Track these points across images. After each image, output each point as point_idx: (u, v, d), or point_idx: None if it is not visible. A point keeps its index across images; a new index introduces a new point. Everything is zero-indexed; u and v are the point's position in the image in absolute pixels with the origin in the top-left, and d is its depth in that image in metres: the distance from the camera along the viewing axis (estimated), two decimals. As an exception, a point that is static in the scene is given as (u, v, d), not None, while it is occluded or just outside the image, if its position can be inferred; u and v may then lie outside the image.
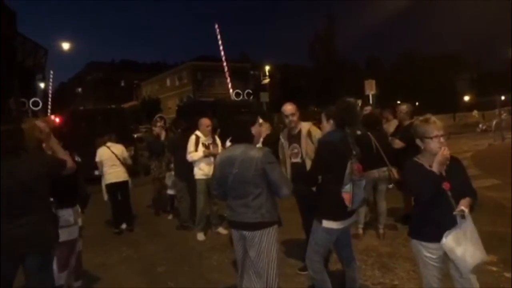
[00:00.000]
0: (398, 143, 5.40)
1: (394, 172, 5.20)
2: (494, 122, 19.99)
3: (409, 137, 5.35)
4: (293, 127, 4.25)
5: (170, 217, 7.33)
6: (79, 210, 3.82)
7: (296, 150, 4.20)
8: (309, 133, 4.11)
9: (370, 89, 17.29)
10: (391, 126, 6.42)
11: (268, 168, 2.86)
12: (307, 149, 4.05)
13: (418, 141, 2.67)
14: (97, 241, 6.06)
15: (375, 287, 3.95)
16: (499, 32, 54.65)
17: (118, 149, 6.47)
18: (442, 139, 2.57)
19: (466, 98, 47.29)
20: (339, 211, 3.09)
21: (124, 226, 6.66)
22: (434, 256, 2.61)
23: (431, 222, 2.58)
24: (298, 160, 4.17)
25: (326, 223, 3.10)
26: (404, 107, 5.78)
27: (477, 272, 2.68)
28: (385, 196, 5.47)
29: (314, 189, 3.45)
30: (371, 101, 16.77)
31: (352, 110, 3.38)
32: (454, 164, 2.62)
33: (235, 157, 2.92)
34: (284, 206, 3.49)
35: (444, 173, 2.57)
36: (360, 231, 5.36)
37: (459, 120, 32.30)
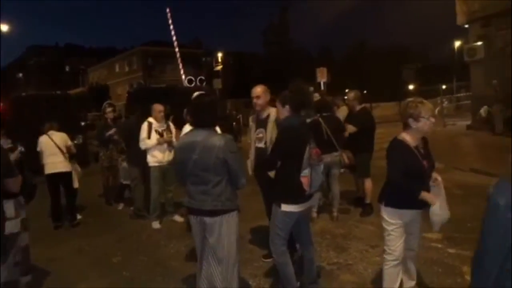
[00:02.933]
0: (351, 128, 5.58)
1: (345, 157, 5.37)
2: (436, 110, 21.14)
3: (361, 122, 5.60)
4: (259, 111, 4.15)
5: (120, 207, 7.11)
6: (23, 201, 3.59)
7: (261, 135, 4.13)
8: (277, 119, 3.96)
9: (322, 76, 17.63)
10: (340, 112, 6.62)
11: (229, 157, 2.81)
12: (272, 135, 3.95)
13: (410, 121, 2.88)
14: (46, 233, 5.78)
15: (331, 267, 4.08)
16: (443, 26, 57.60)
17: (59, 137, 6.08)
18: (432, 119, 2.88)
19: (411, 87, 49.48)
20: (298, 195, 3.13)
21: (78, 216, 6.40)
22: (405, 221, 2.98)
23: (408, 192, 2.91)
24: (261, 145, 4.12)
25: (285, 207, 3.13)
26: (352, 94, 5.96)
27: (423, 248, 2.98)
28: (338, 180, 5.63)
29: (271, 174, 3.46)
30: (322, 89, 17.13)
31: (306, 93, 3.42)
32: (426, 143, 3.02)
33: (197, 143, 2.84)
34: (244, 191, 3.48)
35: (422, 151, 2.93)
36: (315, 214, 5.50)
37: (404, 108, 33.83)
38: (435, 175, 2.88)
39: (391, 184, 3.00)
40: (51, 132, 6.09)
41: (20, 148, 8.03)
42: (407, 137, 2.91)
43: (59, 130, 6.22)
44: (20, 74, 69.09)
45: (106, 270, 4.41)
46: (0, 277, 3.28)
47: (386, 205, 3.01)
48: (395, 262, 3.03)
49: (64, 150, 6.04)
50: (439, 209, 2.83)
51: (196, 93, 3.54)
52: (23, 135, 6.54)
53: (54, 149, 5.97)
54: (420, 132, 2.90)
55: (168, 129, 5.82)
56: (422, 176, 2.85)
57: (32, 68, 65.72)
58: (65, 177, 6.08)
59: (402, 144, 2.90)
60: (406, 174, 2.83)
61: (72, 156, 6.22)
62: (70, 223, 6.17)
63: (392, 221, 2.97)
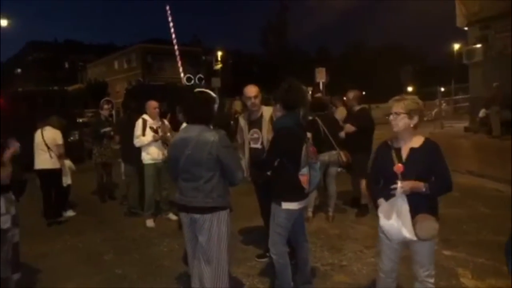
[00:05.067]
0: (349, 127, 5.54)
1: (343, 155, 5.33)
2: (434, 112, 21.13)
3: (359, 122, 5.56)
4: (254, 111, 4.08)
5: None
6: (13, 197, 3.54)
7: (256, 135, 4.05)
8: (271, 119, 3.89)
9: (321, 77, 17.57)
10: (338, 113, 6.59)
11: (223, 152, 2.76)
12: (269, 135, 3.83)
13: None
14: (37, 230, 5.72)
15: (325, 268, 4.04)
16: (442, 28, 57.71)
17: (50, 134, 6.00)
18: (391, 117, 2.63)
19: (409, 88, 49.48)
20: (297, 193, 3.11)
21: (70, 213, 6.37)
22: (391, 238, 2.65)
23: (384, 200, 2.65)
24: (257, 145, 4.03)
25: (286, 205, 3.11)
26: (351, 94, 5.92)
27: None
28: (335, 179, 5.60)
29: (269, 173, 3.42)
30: (321, 89, 17.09)
31: (296, 90, 3.26)
32: (424, 149, 2.62)
33: (190, 138, 2.80)
34: (239, 190, 3.45)
35: (406, 154, 2.62)
36: (310, 214, 5.46)
37: (403, 109, 33.93)
38: (404, 183, 2.50)
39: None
40: (46, 128, 6.04)
41: (16, 144, 7.90)
42: (393, 138, 2.72)
43: (57, 126, 6.15)
44: (19, 70, 68.82)
45: (98, 268, 4.36)
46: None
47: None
48: (383, 276, 2.80)
49: (53, 149, 5.96)
50: (384, 220, 2.55)
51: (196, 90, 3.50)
52: (18, 130, 6.48)
53: (42, 145, 5.94)
54: (393, 131, 2.67)
55: (162, 126, 5.77)
56: (390, 179, 2.57)
57: (31, 63, 65.37)
58: (51, 174, 6.00)
59: (382, 144, 2.78)
60: (378, 175, 2.71)
61: (60, 154, 6.09)
62: (55, 220, 6.08)
63: (379, 230, 2.74)
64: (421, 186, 2.52)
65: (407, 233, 2.48)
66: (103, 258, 4.64)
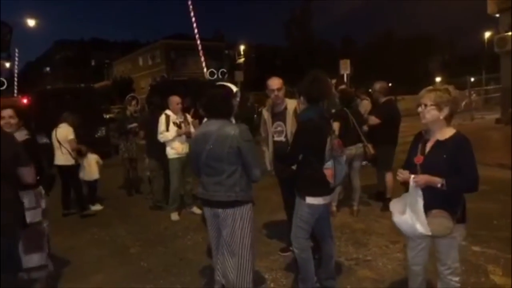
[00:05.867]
0: (374, 120, 5.42)
1: (370, 148, 5.23)
2: (463, 103, 20.49)
3: (385, 114, 5.44)
4: (278, 104, 4.04)
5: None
6: (43, 192, 3.65)
7: (280, 128, 4.01)
8: (295, 111, 3.88)
9: (345, 68, 17.29)
10: (362, 106, 6.45)
11: (244, 146, 2.74)
12: (293, 128, 3.78)
13: None
14: (65, 223, 5.89)
15: (349, 262, 3.99)
16: (472, 16, 55.60)
17: (62, 131, 6.14)
18: (420, 108, 2.55)
19: (438, 79, 48.13)
20: (322, 187, 3.06)
21: (98, 207, 6.56)
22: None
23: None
24: (281, 138, 4.00)
25: (310, 200, 3.07)
26: (377, 86, 5.77)
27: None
28: (359, 173, 5.51)
29: (294, 167, 3.39)
30: (345, 81, 16.83)
31: (320, 82, 3.19)
32: (450, 142, 2.50)
33: (211, 133, 2.79)
34: (262, 184, 3.43)
35: (428, 146, 2.57)
36: (334, 208, 5.38)
37: (430, 100, 32.94)
38: (418, 178, 2.45)
39: None
40: (61, 125, 6.19)
41: (45, 140, 8.23)
42: (428, 128, 2.63)
43: (71, 123, 6.25)
44: (48, 68, 71.04)
45: (124, 260, 4.46)
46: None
47: None
48: (409, 266, 2.80)
49: (65, 145, 6.09)
50: (398, 215, 2.51)
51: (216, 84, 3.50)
52: (47, 127, 6.68)
53: (55, 142, 6.13)
54: (422, 123, 2.59)
55: (185, 120, 5.81)
56: (412, 170, 2.54)
57: (59, 62, 67.35)
58: (65, 170, 6.18)
59: (417, 134, 2.72)
60: (407, 164, 2.66)
61: (78, 151, 6.22)
62: (79, 214, 6.25)
63: None
64: (436, 181, 2.41)
65: (421, 228, 2.40)
66: (129, 251, 4.74)
